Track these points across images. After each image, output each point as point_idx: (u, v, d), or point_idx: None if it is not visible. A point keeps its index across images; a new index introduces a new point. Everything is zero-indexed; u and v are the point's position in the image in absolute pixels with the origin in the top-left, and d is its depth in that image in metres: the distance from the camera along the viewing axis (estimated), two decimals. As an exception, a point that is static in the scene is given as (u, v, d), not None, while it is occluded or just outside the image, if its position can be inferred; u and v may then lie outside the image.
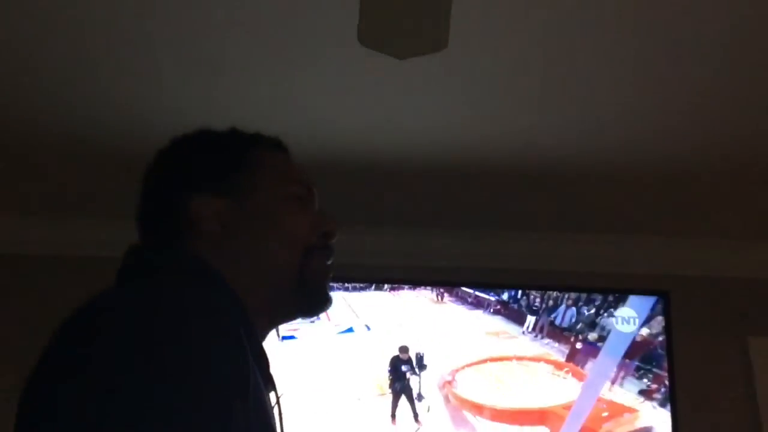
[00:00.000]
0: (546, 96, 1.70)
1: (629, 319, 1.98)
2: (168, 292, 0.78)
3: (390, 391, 1.88)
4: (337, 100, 1.73)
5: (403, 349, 1.91)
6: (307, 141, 1.82)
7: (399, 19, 1.35)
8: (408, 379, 1.90)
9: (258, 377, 0.80)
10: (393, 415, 1.86)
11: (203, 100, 1.74)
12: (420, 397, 1.88)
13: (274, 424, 0.84)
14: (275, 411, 0.87)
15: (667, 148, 1.87)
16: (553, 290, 1.94)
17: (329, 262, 0.93)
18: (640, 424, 1.86)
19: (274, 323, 0.95)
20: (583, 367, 1.88)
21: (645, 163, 1.93)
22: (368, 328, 1.90)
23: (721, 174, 1.98)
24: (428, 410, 1.86)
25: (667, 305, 2.05)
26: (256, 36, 1.57)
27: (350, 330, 1.89)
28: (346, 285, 1.95)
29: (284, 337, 1.85)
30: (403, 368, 1.90)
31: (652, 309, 1.98)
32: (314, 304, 0.94)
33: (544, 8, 1.49)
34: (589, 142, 1.86)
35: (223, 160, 0.94)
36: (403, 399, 1.89)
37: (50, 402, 0.70)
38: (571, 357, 1.91)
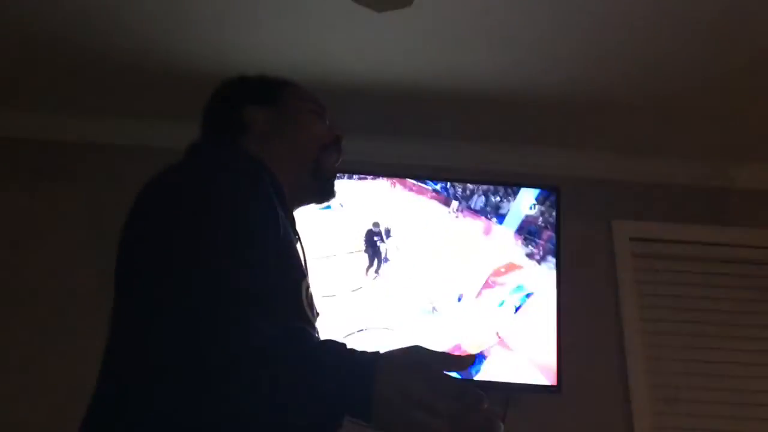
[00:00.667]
0: (472, 35, 2.37)
1: (530, 205, 2.74)
2: (238, 161, 1.09)
3: (366, 254, 2.58)
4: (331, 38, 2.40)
5: (375, 224, 2.60)
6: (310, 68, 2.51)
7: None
8: (378, 246, 2.62)
9: (287, 225, 1.08)
10: (366, 271, 2.56)
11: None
12: (386, 259, 2.59)
13: (300, 261, 1.13)
14: (300, 254, 1.15)
15: (562, 74, 2.55)
16: (471, 183, 2.71)
17: (337, 161, 1.33)
18: (524, 277, 2.63)
19: (297, 203, 1.26)
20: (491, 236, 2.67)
21: (549, 88, 2.61)
22: (341, 206, 2.63)
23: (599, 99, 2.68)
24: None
25: (558, 196, 2.72)
26: None
27: (328, 207, 2.62)
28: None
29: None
30: (375, 238, 2.61)
31: (542, 198, 2.74)
32: (324, 191, 1.30)
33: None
34: (509, 74, 2.56)
35: (268, 84, 1.33)
36: (375, 260, 2.58)
37: (153, 248, 0.90)
38: (483, 231, 2.69)
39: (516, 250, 2.66)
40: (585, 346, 2.73)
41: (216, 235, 0.90)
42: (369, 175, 2.69)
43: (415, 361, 0.81)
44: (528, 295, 2.61)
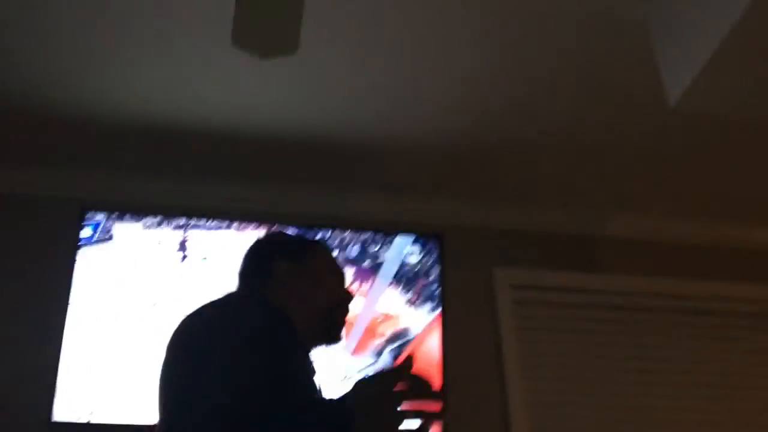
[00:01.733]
0: (352, 85, 2.42)
1: (410, 253, 2.79)
2: (255, 303, 1.37)
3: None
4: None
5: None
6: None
7: (265, 26, 1.90)
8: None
9: (307, 363, 1.36)
10: None
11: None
12: None
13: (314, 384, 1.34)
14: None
15: (443, 125, 2.62)
16: (352, 231, 2.76)
17: (345, 316, 1.56)
18: (402, 324, 2.68)
19: (309, 342, 1.48)
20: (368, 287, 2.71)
21: (430, 138, 2.69)
22: (205, 259, 2.60)
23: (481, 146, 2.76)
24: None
25: (441, 243, 2.83)
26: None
27: (205, 259, 2.62)
28: (205, 225, 2.68)
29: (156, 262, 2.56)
30: None
31: (424, 246, 2.81)
32: (331, 338, 1.54)
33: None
34: (391, 123, 2.62)
35: (299, 246, 1.60)
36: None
37: (186, 369, 1.18)
38: (358, 279, 2.72)
39: (394, 297, 2.70)
40: (467, 392, 2.77)
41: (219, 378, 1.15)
42: (240, 221, 2.69)
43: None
44: (406, 342, 2.65)
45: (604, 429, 2.80)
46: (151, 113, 2.53)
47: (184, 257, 2.59)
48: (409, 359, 1.15)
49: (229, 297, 1.39)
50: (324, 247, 1.66)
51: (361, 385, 1.16)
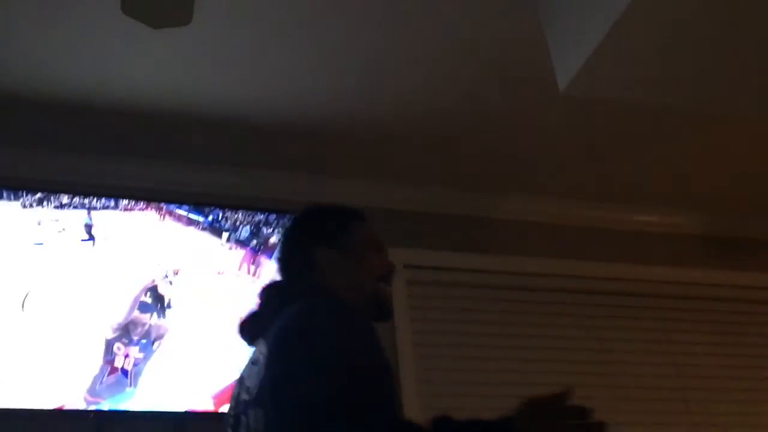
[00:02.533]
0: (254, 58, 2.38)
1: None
2: (328, 303, 1.37)
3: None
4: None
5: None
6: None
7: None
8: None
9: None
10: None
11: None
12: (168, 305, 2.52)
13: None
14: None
15: (338, 105, 2.61)
16: (242, 210, 2.70)
17: (389, 287, 1.57)
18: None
19: None
20: (257, 267, 2.67)
21: (325, 117, 2.67)
22: (105, 239, 2.51)
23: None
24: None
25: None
26: None
27: (92, 239, 2.51)
28: (89, 205, 2.56)
29: (36, 243, 2.41)
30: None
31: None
32: (381, 314, 1.54)
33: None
34: (286, 101, 2.59)
35: (335, 226, 1.58)
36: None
37: (297, 363, 1.23)
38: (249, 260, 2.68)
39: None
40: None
41: (342, 365, 1.22)
42: (130, 199, 2.59)
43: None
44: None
45: (493, 407, 2.85)
46: (35, 85, 2.40)
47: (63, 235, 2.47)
48: (570, 388, 1.25)
49: (313, 301, 1.41)
50: (362, 219, 1.65)
51: (527, 409, 1.28)
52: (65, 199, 2.49)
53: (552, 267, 3.21)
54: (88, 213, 2.51)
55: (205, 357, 2.47)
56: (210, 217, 2.64)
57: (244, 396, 1.38)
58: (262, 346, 1.37)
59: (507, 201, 3.28)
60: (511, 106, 2.71)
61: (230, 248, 2.63)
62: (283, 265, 1.61)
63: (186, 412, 2.41)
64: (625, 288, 3.31)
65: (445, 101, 2.66)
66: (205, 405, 2.43)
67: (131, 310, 2.46)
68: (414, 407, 2.76)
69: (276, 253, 1.66)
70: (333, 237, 1.57)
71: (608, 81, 2.11)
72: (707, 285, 3.42)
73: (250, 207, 2.73)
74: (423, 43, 2.38)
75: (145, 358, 2.42)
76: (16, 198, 2.44)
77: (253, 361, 1.40)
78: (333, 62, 2.43)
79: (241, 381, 1.43)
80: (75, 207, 2.49)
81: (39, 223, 2.43)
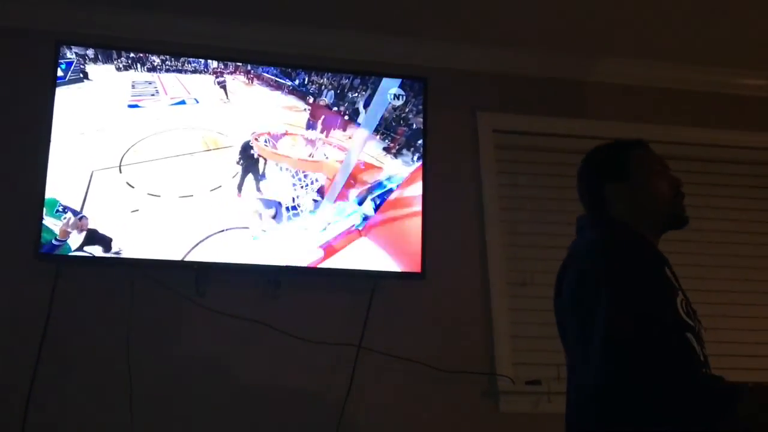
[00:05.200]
0: None
1: (397, 96, 2.75)
2: (619, 235, 1.58)
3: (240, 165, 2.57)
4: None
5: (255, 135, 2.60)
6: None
7: None
8: (256, 159, 2.60)
9: (664, 263, 1.52)
10: (240, 184, 2.56)
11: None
12: (263, 176, 2.59)
13: (677, 289, 1.51)
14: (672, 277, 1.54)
15: None
16: (332, 72, 2.70)
17: (683, 200, 1.70)
18: (384, 173, 2.69)
19: (657, 239, 1.69)
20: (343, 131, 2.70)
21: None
22: (197, 101, 2.60)
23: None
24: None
25: (425, 87, 2.76)
26: None
27: (182, 102, 2.57)
28: (181, 68, 2.62)
29: (130, 105, 2.52)
30: (251, 151, 2.59)
31: (408, 91, 2.76)
32: (680, 222, 1.70)
33: None
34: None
35: (618, 161, 1.72)
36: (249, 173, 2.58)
37: (601, 294, 1.43)
38: (338, 127, 2.70)
39: (372, 145, 2.70)
40: (448, 235, 2.84)
41: (639, 288, 1.43)
42: (215, 60, 2.63)
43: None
44: (390, 191, 2.68)
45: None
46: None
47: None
48: None
49: (600, 233, 1.63)
50: (640, 148, 1.75)
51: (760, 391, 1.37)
52: (157, 61, 2.56)
53: (642, 131, 3.10)
54: (179, 75, 2.58)
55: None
56: (296, 81, 2.67)
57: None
58: (571, 269, 1.61)
59: (596, 63, 3.15)
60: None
61: (315, 112, 2.67)
62: (583, 202, 1.79)
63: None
64: (723, 155, 3.19)
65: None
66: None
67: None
68: (499, 269, 2.83)
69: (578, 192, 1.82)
70: (617, 171, 1.71)
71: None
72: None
73: (337, 69, 2.74)
74: None
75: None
76: (110, 61, 2.54)
77: (558, 279, 1.67)
78: None
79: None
80: (167, 71, 2.57)
81: (133, 86, 2.53)
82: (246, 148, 2.59)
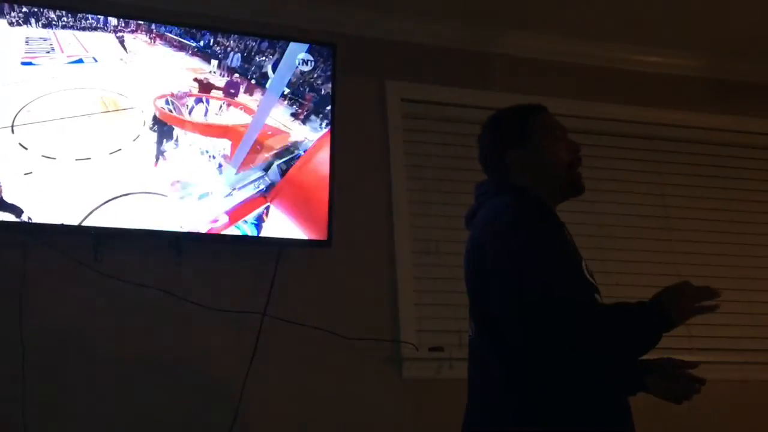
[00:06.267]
0: None
1: (305, 61, 2.72)
2: (518, 200, 1.59)
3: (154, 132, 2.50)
4: None
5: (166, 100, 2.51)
6: None
7: None
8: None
9: (564, 228, 1.57)
10: (157, 153, 2.49)
11: None
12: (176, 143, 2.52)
13: (576, 248, 1.57)
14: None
15: None
16: (240, 35, 2.64)
17: (579, 168, 1.72)
18: (291, 139, 2.66)
19: (556, 204, 1.70)
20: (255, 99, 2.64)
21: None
22: (95, 60, 2.49)
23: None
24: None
25: (334, 53, 2.74)
26: None
27: (80, 61, 2.46)
28: (79, 25, 2.50)
29: (23, 63, 2.39)
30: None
31: (316, 56, 2.73)
32: (576, 190, 1.71)
33: None
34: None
35: (519, 128, 1.73)
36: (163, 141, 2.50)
37: (501, 251, 1.49)
38: (244, 91, 2.64)
39: (280, 111, 2.66)
40: (354, 204, 2.84)
41: (540, 251, 1.47)
42: (117, 17, 2.53)
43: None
44: (296, 157, 2.65)
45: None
46: None
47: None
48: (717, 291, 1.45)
49: (506, 200, 1.63)
50: (540, 113, 1.77)
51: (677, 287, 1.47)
52: (53, 16, 2.43)
53: (549, 105, 3.17)
54: (77, 32, 2.46)
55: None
56: (201, 42, 2.60)
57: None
58: (472, 237, 1.63)
59: (506, 36, 3.19)
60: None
61: (221, 75, 2.61)
62: (485, 168, 1.80)
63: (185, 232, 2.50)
64: (617, 128, 3.31)
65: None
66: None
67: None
68: (405, 237, 2.86)
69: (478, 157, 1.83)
70: (518, 137, 1.73)
71: None
72: (705, 129, 3.41)
73: (243, 32, 2.67)
74: None
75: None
76: (2, 15, 2.39)
77: (466, 250, 1.64)
78: None
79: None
80: (64, 27, 2.45)
81: (27, 42, 2.40)
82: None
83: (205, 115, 2.58)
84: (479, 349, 1.62)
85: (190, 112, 2.56)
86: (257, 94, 2.64)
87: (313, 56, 2.71)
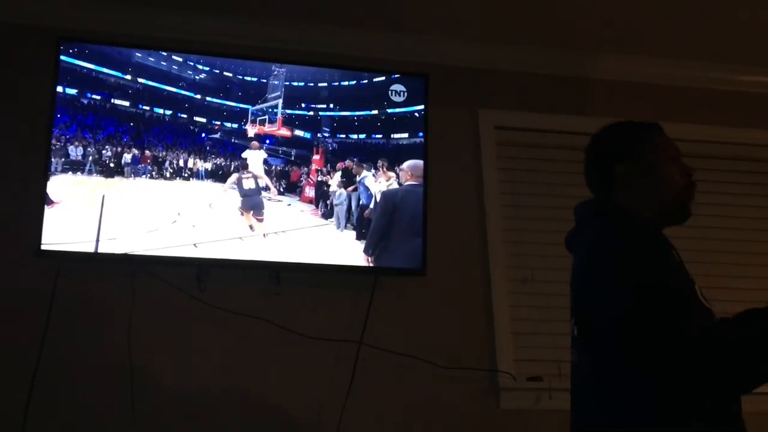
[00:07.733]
0: None
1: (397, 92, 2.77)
2: (624, 225, 1.52)
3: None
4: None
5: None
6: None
7: None
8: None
9: (673, 251, 1.48)
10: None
11: None
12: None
13: (687, 272, 1.49)
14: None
15: None
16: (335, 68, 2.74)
17: (693, 194, 1.62)
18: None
19: (663, 227, 1.60)
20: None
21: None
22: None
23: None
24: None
25: (426, 83, 2.76)
26: None
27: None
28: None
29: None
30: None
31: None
32: (682, 216, 1.62)
33: None
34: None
35: (630, 141, 1.64)
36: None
37: (612, 278, 1.42)
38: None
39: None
40: (449, 232, 2.83)
41: (649, 275, 1.40)
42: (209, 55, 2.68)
43: None
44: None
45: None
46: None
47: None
48: None
49: (613, 222, 1.56)
50: (655, 131, 1.66)
51: None
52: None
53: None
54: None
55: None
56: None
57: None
58: (576, 261, 1.57)
59: (601, 61, 3.14)
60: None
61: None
62: (589, 183, 1.70)
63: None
64: (719, 151, 3.19)
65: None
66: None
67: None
68: (500, 265, 2.83)
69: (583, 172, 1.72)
70: (628, 151, 1.62)
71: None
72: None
73: (338, 66, 2.75)
74: None
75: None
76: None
77: (573, 272, 1.59)
78: None
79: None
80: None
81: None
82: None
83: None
84: (583, 377, 1.55)
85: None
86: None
87: (405, 86, 2.74)
